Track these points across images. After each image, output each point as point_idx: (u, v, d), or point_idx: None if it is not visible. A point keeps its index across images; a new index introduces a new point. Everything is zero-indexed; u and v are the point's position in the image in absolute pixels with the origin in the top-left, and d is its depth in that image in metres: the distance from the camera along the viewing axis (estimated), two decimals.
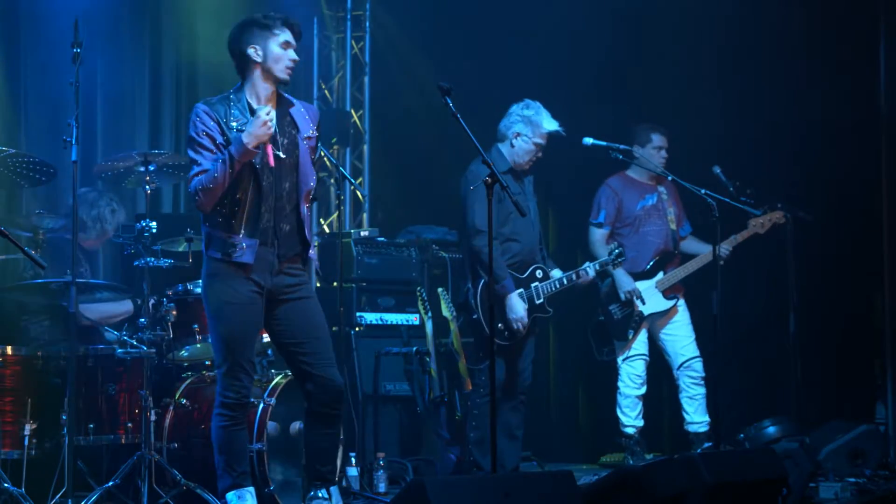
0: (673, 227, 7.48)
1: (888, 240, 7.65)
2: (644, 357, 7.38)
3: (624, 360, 7.39)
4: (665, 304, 7.37)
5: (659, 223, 7.45)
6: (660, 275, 7.37)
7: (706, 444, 7.18)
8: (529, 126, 6.46)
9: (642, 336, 7.37)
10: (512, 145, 6.49)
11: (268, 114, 4.95)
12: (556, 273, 6.60)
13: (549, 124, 6.48)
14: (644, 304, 7.27)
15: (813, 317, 7.48)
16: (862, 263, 7.83)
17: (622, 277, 7.27)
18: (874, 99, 7.72)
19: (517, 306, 6.37)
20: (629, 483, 4.64)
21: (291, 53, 5.14)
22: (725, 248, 7.27)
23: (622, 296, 7.27)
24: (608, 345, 7.49)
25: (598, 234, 7.41)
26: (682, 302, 7.42)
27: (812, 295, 7.49)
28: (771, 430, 7.07)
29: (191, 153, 5.08)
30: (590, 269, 6.62)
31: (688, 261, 7.41)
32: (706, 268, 7.27)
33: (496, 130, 6.57)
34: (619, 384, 7.41)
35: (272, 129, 4.97)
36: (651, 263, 7.36)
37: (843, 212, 7.71)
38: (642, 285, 7.31)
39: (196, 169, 5.03)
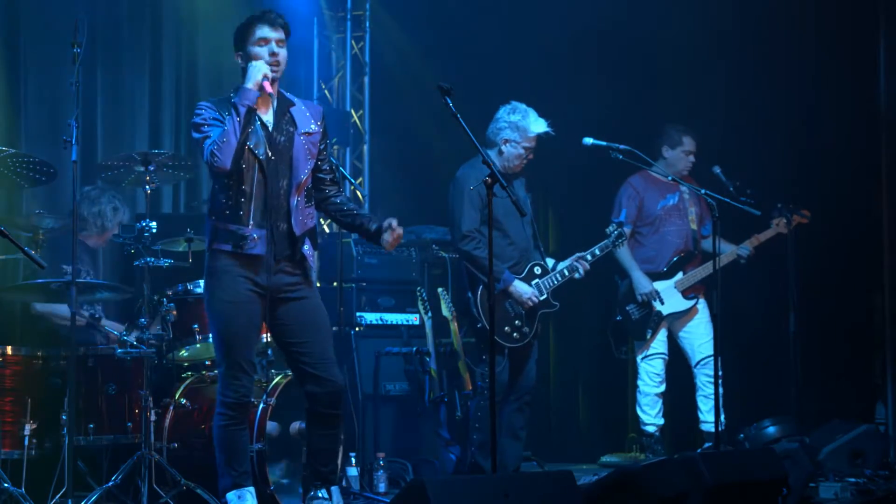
0: (694, 227, 7.46)
1: (888, 240, 7.65)
2: (663, 356, 7.39)
3: (643, 358, 7.40)
4: (684, 304, 7.36)
5: (679, 223, 7.44)
6: (679, 275, 7.36)
7: (706, 444, 7.18)
8: (517, 131, 6.42)
9: (661, 335, 7.38)
10: (501, 152, 6.45)
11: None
12: (554, 264, 6.59)
13: (537, 127, 6.43)
14: (663, 304, 7.27)
15: (813, 317, 7.48)
16: (862, 263, 7.83)
17: (640, 279, 7.27)
18: (874, 99, 7.73)
19: (522, 288, 6.38)
20: (629, 483, 4.64)
21: (273, 47, 5.08)
22: (746, 247, 7.31)
23: (639, 297, 7.28)
24: (626, 344, 7.50)
25: None
26: (702, 301, 7.40)
27: (812, 295, 7.49)
28: (771, 430, 7.07)
29: (197, 135, 5.06)
30: (587, 256, 6.57)
31: (708, 261, 7.37)
32: (725, 267, 7.27)
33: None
34: (639, 383, 7.43)
35: (269, 70, 5.00)
36: (670, 264, 7.36)
37: (843, 212, 7.71)
38: (661, 285, 7.30)
39: (207, 142, 5.00)
